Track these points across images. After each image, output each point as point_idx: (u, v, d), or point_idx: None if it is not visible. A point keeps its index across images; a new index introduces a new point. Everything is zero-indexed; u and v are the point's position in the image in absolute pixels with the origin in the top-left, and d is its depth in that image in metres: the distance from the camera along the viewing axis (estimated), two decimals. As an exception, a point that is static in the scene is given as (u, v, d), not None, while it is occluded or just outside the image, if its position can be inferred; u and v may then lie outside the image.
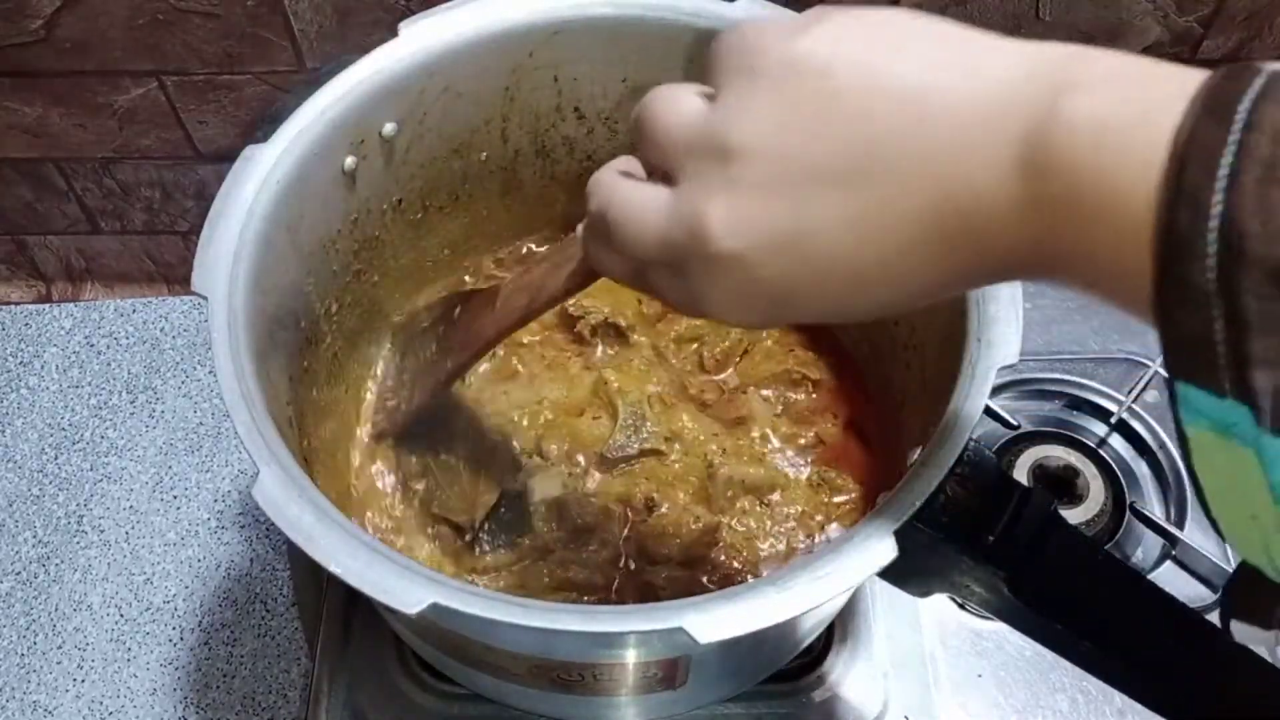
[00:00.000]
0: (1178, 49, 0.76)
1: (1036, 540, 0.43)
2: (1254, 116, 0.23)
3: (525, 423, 0.60)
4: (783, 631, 0.54)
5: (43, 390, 0.83)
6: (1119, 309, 0.27)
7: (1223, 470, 0.25)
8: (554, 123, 0.62)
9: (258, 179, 0.49)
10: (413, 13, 0.55)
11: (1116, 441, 0.75)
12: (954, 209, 0.28)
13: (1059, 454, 0.72)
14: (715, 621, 0.39)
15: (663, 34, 0.56)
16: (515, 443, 0.59)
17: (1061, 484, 0.71)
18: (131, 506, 0.78)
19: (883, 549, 0.40)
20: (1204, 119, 0.24)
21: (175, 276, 0.94)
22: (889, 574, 0.43)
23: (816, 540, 0.58)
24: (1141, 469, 0.74)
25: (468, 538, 0.56)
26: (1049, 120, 0.26)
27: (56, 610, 0.73)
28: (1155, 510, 0.71)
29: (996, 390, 0.75)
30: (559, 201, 0.67)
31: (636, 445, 0.58)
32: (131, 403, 0.82)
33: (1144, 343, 0.78)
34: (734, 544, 0.57)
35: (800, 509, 0.58)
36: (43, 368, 0.84)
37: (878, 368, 0.61)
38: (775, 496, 0.58)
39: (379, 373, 0.63)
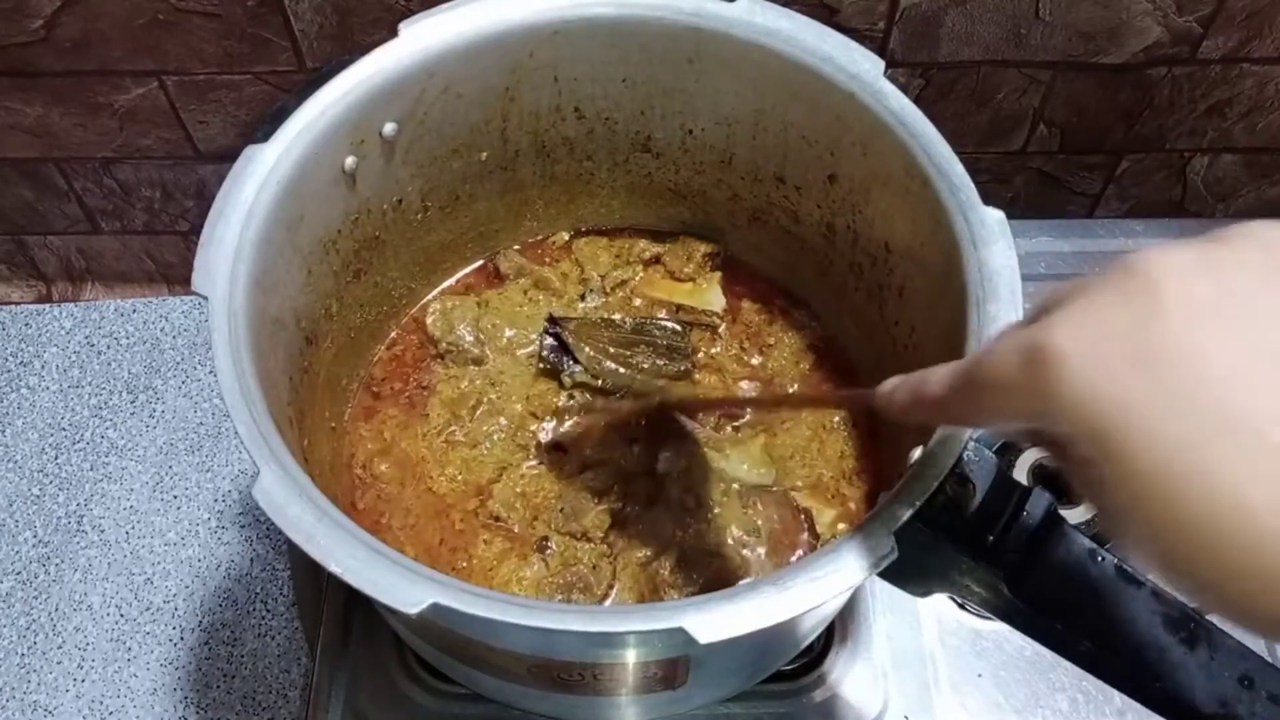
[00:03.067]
0: (1178, 49, 0.76)
1: (1036, 540, 0.43)
2: None
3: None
4: (783, 631, 0.54)
5: (43, 390, 0.83)
6: None
7: None
8: (554, 123, 0.62)
9: (258, 179, 0.49)
10: (413, 13, 0.55)
11: (1117, 441, 0.75)
12: None
13: (1059, 454, 0.72)
14: (715, 621, 0.39)
15: (663, 34, 0.56)
16: None
17: (1062, 484, 0.71)
18: (131, 506, 0.78)
19: (883, 549, 0.40)
20: None
21: (175, 276, 0.94)
22: (889, 574, 0.43)
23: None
24: (1141, 469, 0.74)
25: None
26: None
27: (56, 610, 0.73)
28: (1155, 510, 0.71)
29: (996, 390, 0.75)
30: (559, 201, 0.67)
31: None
32: (131, 403, 0.82)
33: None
34: None
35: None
36: (43, 368, 0.84)
37: (877, 367, 0.61)
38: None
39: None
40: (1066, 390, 0.27)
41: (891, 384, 0.38)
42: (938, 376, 0.34)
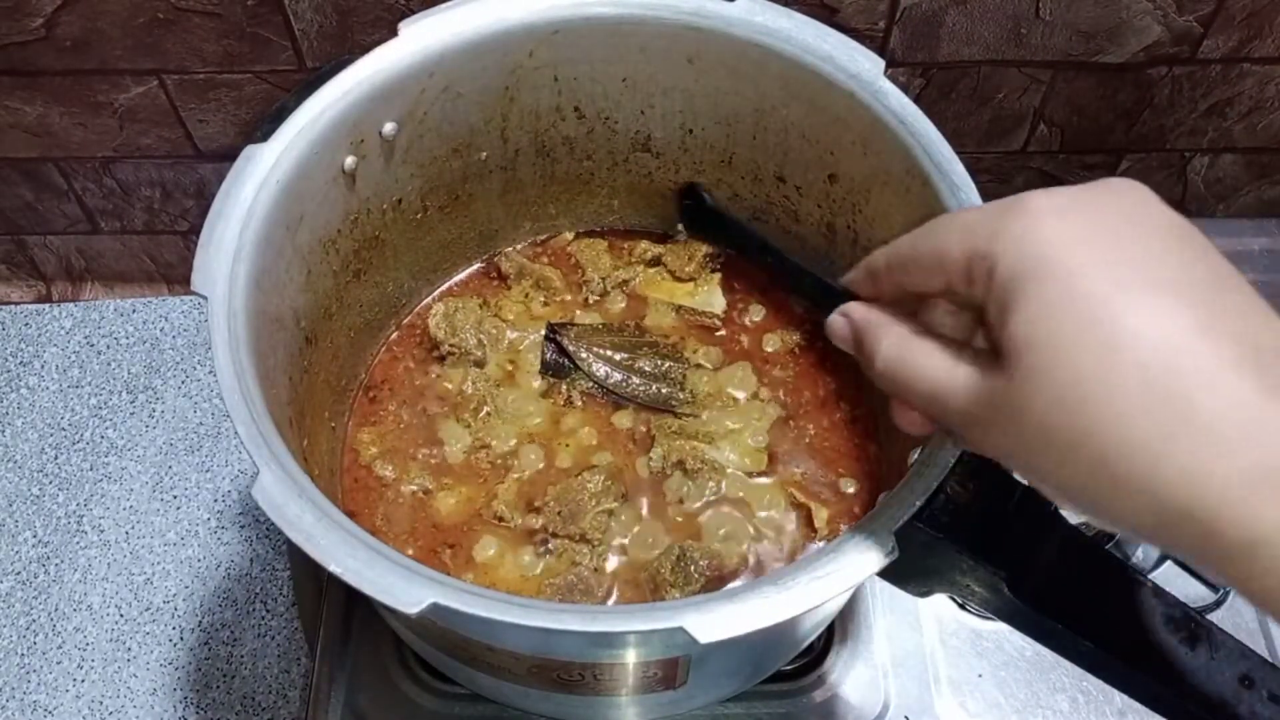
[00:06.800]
0: (1178, 48, 0.76)
1: (1036, 540, 0.43)
2: None
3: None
4: (783, 631, 0.54)
5: (43, 390, 0.83)
6: None
7: None
8: (554, 122, 0.62)
9: (258, 178, 0.49)
10: (413, 12, 0.55)
11: (1117, 441, 0.75)
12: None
13: (1059, 454, 0.72)
14: (715, 621, 0.39)
15: (663, 33, 0.56)
16: None
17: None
18: (131, 506, 0.78)
19: (883, 549, 0.40)
20: None
21: (175, 276, 0.94)
22: (889, 574, 0.43)
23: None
24: (1142, 469, 0.74)
25: None
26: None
27: (56, 610, 0.73)
28: (1155, 510, 0.71)
29: (997, 390, 0.75)
30: (559, 201, 0.67)
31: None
32: (131, 403, 0.82)
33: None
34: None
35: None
36: (43, 367, 0.84)
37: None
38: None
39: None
40: (1023, 226, 0.32)
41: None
42: (889, 246, 0.39)
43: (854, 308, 0.42)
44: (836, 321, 0.42)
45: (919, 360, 0.36)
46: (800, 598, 0.39)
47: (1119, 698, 0.63)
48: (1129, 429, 0.29)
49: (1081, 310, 0.30)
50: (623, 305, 0.66)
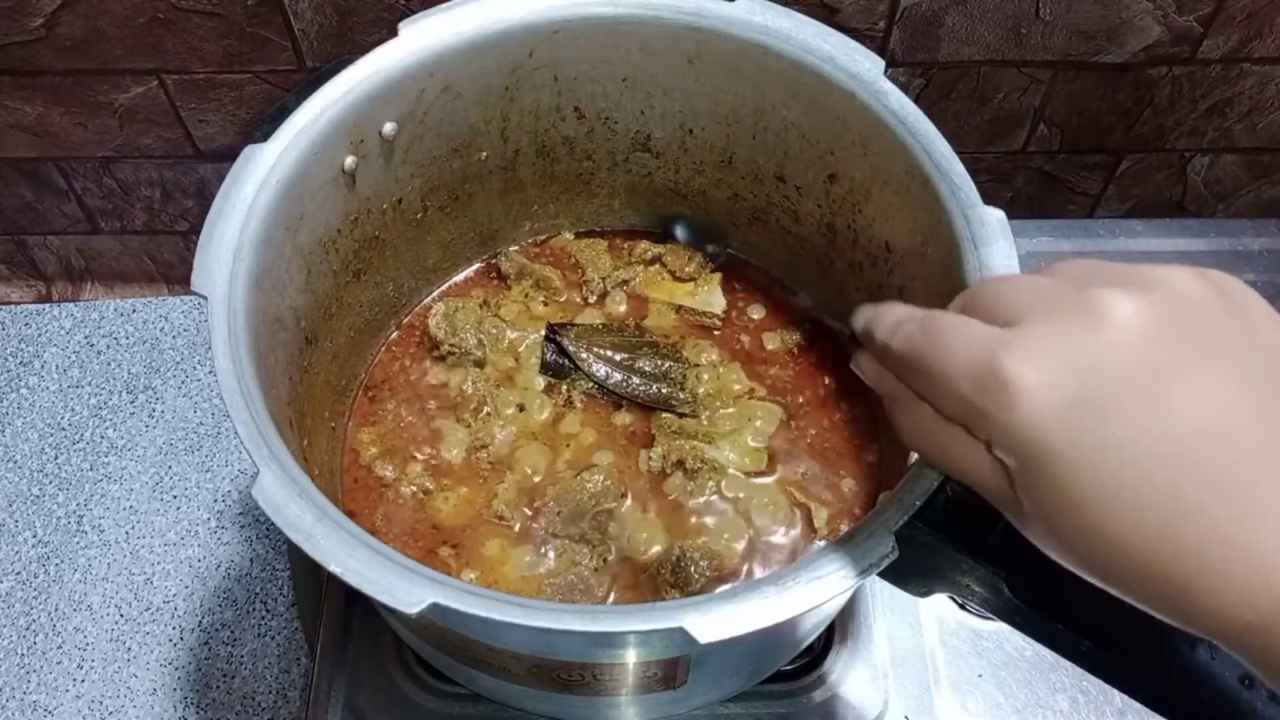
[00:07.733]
0: (1178, 48, 0.76)
1: (1037, 540, 0.43)
2: None
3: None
4: (783, 631, 0.54)
5: (43, 390, 0.83)
6: None
7: None
8: (554, 122, 0.62)
9: (258, 178, 0.49)
10: (413, 13, 0.55)
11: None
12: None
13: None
14: (715, 621, 0.39)
15: (663, 33, 0.56)
16: None
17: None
18: (131, 506, 0.78)
19: (883, 549, 0.40)
20: None
21: (175, 276, 0.95)
22: (889, 574, 0.43)
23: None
24: (1142, 469, 0.74)
25: None
26: None
27: (56, 610, 0.73)
28: (1155, 510, 0.71)
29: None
30: (559, 201, 0.67)
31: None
32: (131, 403, 0.82)
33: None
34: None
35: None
36: (43, 368, 0.84)
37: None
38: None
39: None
40: (1006, 419, 0.31)
41: (865, 313, 0.39)
42: (893, 328, 0.36)
43: (868, 367, 0.39)
44: (858, 369, 0.40)
45: (941, 447, 0.35)
46: (800, 598, 0.39)
47: (1119, 698, 0.63)
48: (1146, 590, 0.31)
49: (1076, 507, 0.31)
50: (623, 305, 0.66)
